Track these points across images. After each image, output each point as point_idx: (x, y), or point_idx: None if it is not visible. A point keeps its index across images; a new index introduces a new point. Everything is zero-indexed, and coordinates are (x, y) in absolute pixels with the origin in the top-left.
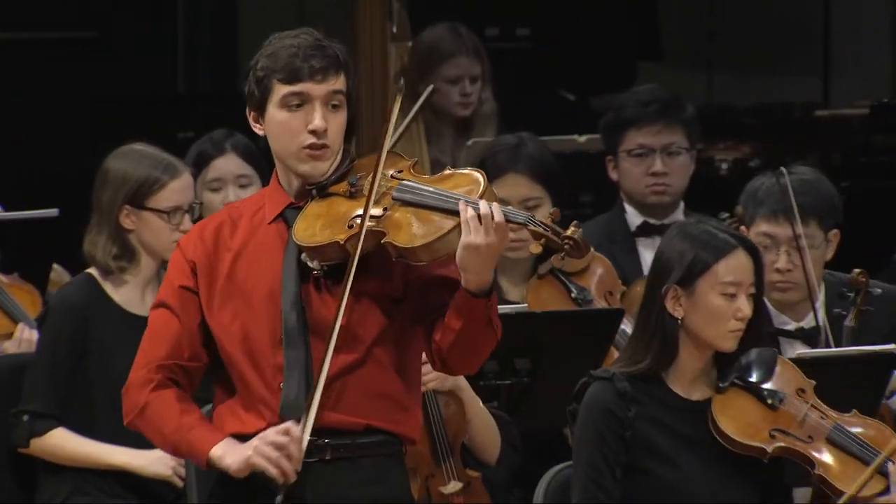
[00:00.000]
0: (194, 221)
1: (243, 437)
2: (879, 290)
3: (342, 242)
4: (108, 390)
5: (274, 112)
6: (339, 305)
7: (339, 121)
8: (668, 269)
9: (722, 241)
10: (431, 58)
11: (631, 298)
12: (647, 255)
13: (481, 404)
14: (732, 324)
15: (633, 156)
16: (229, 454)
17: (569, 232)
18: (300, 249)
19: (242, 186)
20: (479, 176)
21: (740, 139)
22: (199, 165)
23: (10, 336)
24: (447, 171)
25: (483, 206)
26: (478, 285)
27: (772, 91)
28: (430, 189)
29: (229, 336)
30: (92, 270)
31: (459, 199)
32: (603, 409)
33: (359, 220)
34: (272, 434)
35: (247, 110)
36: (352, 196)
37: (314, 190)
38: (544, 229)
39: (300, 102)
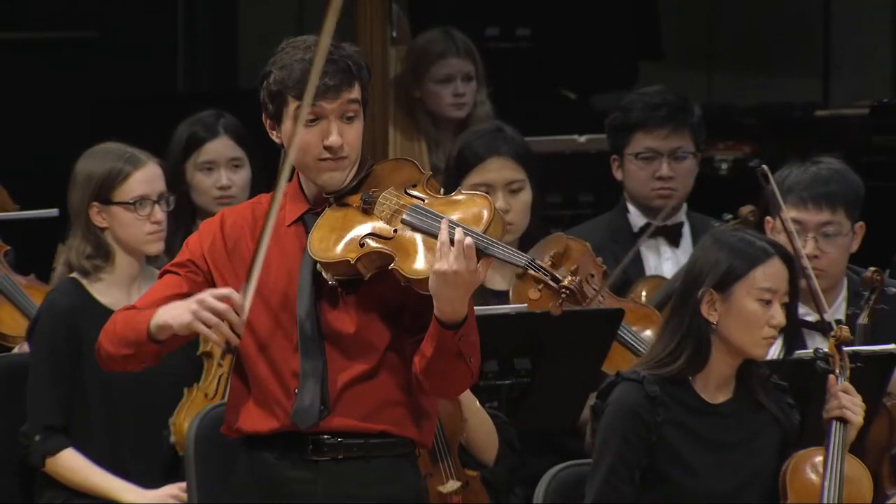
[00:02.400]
0: (170, 212)
1: (256, 438)
2: (894, 290)
3: (352, 262)
4: (101, 392)
5: (289, 126)
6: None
7: (355, 131)
8: (703, 274)
9: (759, 249)
10: (422, 61)
11: (631, 298)
12: (649, 256)
13: (478, 404)
14: (766, 331)
15: (640, 158)
16: (167, 311)
17: (566, 281)
18: (316, 261)
19: (235, 168)
20: (487, 203)
21: (740, 139)
22: (190, 148)
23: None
24: (460, 195)
25: (458, 233)
26: (448, 316)
27: (772, 91)
28: (442, 218)
29: (249, 336)
30: (75, 275)
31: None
32: (631, 412)
33: (369, 241)
34: (211, 299)
35: (263, 116)
36: (365, 212)
37: (331, 198)
38: (543, 274)
39: (315, 118)
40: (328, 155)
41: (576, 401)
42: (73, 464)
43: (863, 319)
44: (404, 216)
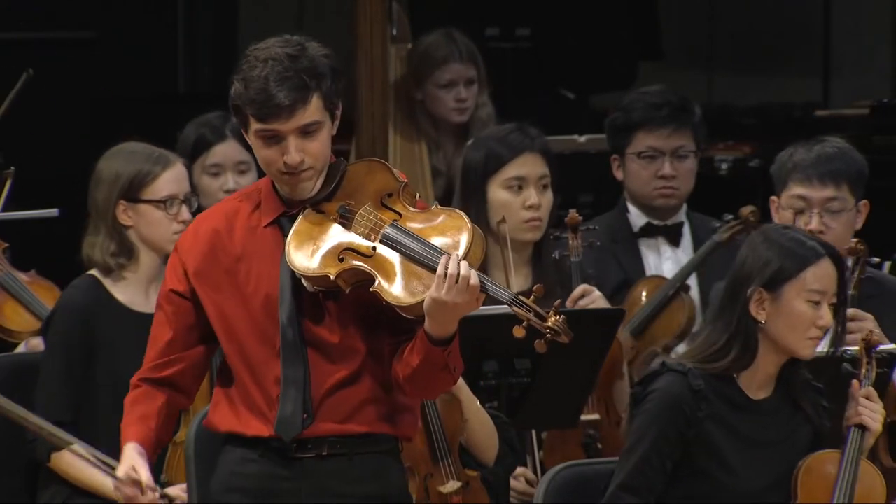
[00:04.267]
0: (192, 213)
1: (241, 439)
2: (876, 261)
3: (332, 278)
4: (113, 390)
5: (253, 140)
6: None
7: (317, 144)
8: (752, 273)
9: (810, 249)
10: (425, 65)
11: (633, 299)
12: (649, 256)
13: (478, 404)
14: (813, 331)
15: (642, 158)
16: (125, 456)
17: (550, 322)
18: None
19: (241, 172)
20: (464, 223)
21: (740, 139)
22: (197, 151)
23: (36, 333)
24: (436, 209)
25: (464, 267)
26: (439, 333)
27: (772, 91)
28: (422, 241)
29: (228, 340)
30: (94, 272)
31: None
32: (673, 403)
33: (348, 256)
34: (128, 485)
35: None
36: (343, 225)
37: (307, 203)
38: (527, 311)
39: (273, 135)
40: (289, 170)
41: (576, 401)
42: (78, 461)
43: (850, 290)
44: (384, 233)
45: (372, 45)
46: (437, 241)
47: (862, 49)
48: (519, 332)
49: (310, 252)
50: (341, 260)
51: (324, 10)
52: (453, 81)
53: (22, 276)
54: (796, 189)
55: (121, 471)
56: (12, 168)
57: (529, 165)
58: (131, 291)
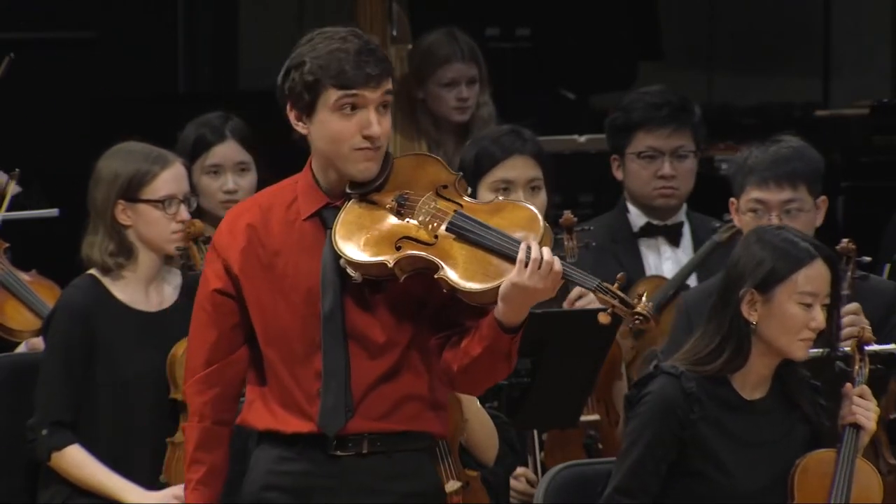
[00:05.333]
0: (191, 213)
1: (280, 436)
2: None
3: (390, 265)
4: (113, 389)
5: (325, 115)
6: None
7: (388, 122)
8: (745, 274)
9: (803, 251)
10: (427, 63)
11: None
12: (649, 256)
13: (478, 404)
14: (805, 333)
15: (641, 158)
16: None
17: (639, 307)
18: (340, 256)
19: (241, 173)
20: (535, 214)
21: (740, 139)
22: (197, 151)
23: (37, 333)
24: (499, 201)
25: (546, 253)
26: (511, 320)
27: (772, 91)
28: (492, 229)
29: (267, 335)
30: (94, 271)
31: (520, 244)
32: (666, 406)
33: (407, 244)
34: None
35: (287, 108)
36: (398, 214)
37: (355, 193)
38: (613, 297)
39: (353, 106)
40: (366, 144)
41: (576, 401)
42: (78, 460)
43: (844, 290)
44: (451, 222)
45: None
46: (507, 229)
47: (862, 49)
48: (605, 318)
49: (362, 241)
50: (398, 248)
51: (324, 10)
52: (455, 80)
53: (23, 276)
54: (753, 193)
55: None
56: (17, 170)
57: (519, 168)
58: (131, 291)
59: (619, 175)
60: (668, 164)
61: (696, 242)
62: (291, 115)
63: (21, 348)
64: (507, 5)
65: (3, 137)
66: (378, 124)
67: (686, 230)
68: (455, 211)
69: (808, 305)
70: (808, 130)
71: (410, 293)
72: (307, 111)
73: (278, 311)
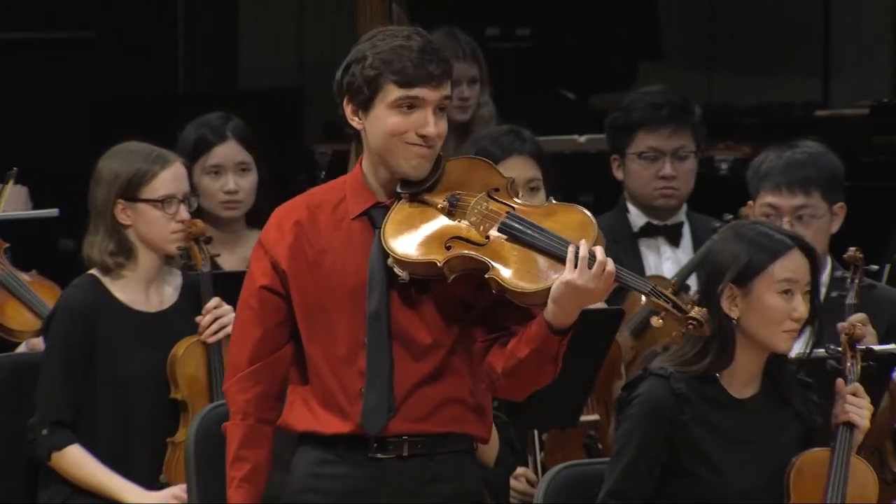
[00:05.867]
0: (191, 213)
1: (317, 437)
2: (875, 268)
3: (440, 265)
4: (113, 389)
5: (383, 112)
6: None
7: (444, 124)
8: (723, 269)
9: (778, 241)
10: None
11: (632, 299)
12: (649, 256)
13: None
14: (788, 324)
15: (643, 158)
16: None
17: (693, 312)
18: (388, 255)
19: (242, 173)
20: (588, 218)
21: (740, 139)
22: (198, 151)
23: (38, 333)
24: (551, 204)
25: (599, 252)
26: (561, 321)
27: (772, 91)
28: (544, 230)
29: (311, 334)
30: (94, 271)
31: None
32: (656, 408)
33: (457, 244)
34: None
35: (344, 102)
36: (450, 214)
37: (405, 193)
38: (666, 302)
39: (412, 105)
40: (419, 142)
41: (576, 401)
42: (78, 460)
43: (851, 299)
44: (503, 223)
45: None
46: (560, 231)
47: (862, 49)
48: (657, 322)
49: (412, 240)
50: (448, 248)
51: (324, 10)
52: (456, 80)
53: (23, 276)
54: (767, 197)
55: None
56: (15, 169)
57: (517, 169)
58: (131, 290)
59: (619, 175)
60: (669, 165)
61: (696, 242)
62: (347, 110)
63: (21, 348)
64: (507, 5)
65: (3, 137)
66: (434, 125)
67: (686, 230)
68: (507, 212)
69: (788, 293)
70: (808, 130)
71: (457, 295)
72: (364, 106)
73: (324, 308)
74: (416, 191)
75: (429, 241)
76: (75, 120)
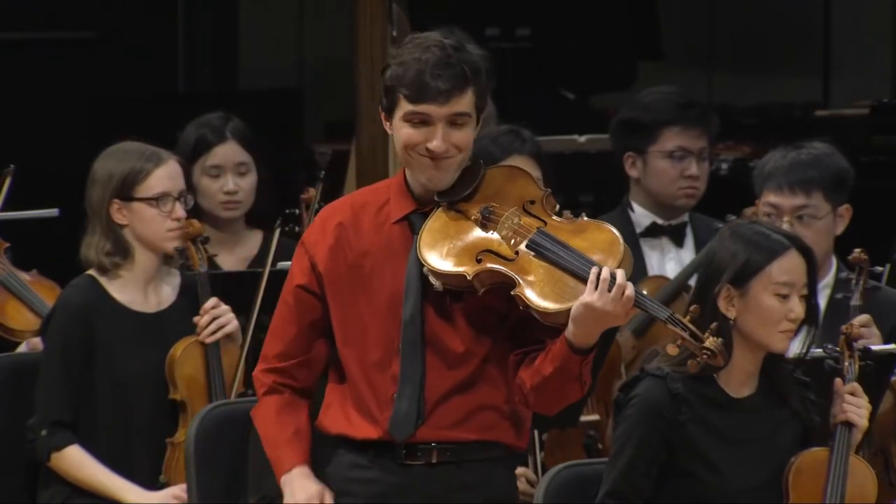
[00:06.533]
0: (190, 213)
1: (349, 441)
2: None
3: (469, 277)
4: (112, 389)
5: (398, 124)
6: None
7: (462, 136)
8: (721, 270)
9: (776, 242)
10: None
11: None
12: (652, 256)
13: None
14: (784, 324)
15: (671, 157)
16: (293, 491)
17: (708, 343)
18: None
19: (241, 174)
20: (617, 238)
21: (740, 139)
22: (197, 151)
23: (38, 333)
24: (582, 220)
25: (620, 275)
26: (581, 342)
27: (772, 91)
28: (572, 250)
29: (345, 335)
30: (92, 272)
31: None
32: (653, 409)
33: (487, 258)
34: None
35: (380, 106)
36: (483, 226)
37: (443, 201)
38: (683, 330)
39: (422, 121)
40: (428, 154)
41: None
42: (78, 461)
43: (855, 301)
44: (532, 240)
45: (372, 45)
46: (587, 251)
47: (862, 49)
48: (673, 350)
49: (445, 250)
50: (479, 261)
51: (324, 10)
52: None
53: (24, 276)
54: (769, 197)
55: (323, 499)
56: (11, 167)
57: None
58: (129, 291)
59: (633, 173)
60: (696, 165)
61: (699, 243)
62: (381, 115)
63: (22, 348)
64: (507, 5)
65: (2, 137)
66: (442, 139)
67: (689, 230)
68: (537, 228)
69: (785, 296)
70: (808, 130)
71: (491, 305)
72: (388, 114)
73: (360, 311)
74: (454, 199)
75: (461, 253)
76: (75, 120)
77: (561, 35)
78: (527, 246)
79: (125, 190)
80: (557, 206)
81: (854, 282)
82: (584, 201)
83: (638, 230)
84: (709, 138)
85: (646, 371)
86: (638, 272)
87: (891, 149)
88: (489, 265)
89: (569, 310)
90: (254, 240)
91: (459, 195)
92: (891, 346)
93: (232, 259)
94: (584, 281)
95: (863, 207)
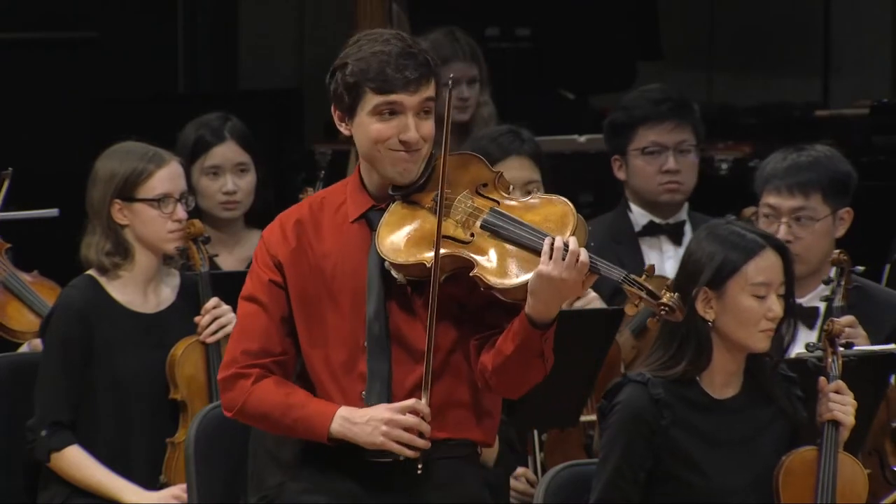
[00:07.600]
0: (189, 213)
1: (321, 444)
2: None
3: (428, 265)
4: (112, 390)
5: (365, 119)
6: (430, 328)
7: (428, 126)
8: (698, 272)
9: (751, 242)
10: None
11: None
12: (651, 255)
13: None
14: (763, 324)
15: (646, 154)
16: (351, 426)
17: (665, 298)
18: (384, 259)
19: (241, 174)
20: (569, 209)
21: (740, 139)
22: (197, 152)
23: (39, 333)
24: (535, 198)
25: (572, 243)
26: (541, 316)
27: (772, 91)
28: (525, 225)
29: (311, 337)
30: (92, 272)
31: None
32: (635, 415)
33: (444, 241)
34: (400, 417)
35: (332, 108)
36: (437, 213)
37: (397, 195)
38: (640, 289)
39: (392, 111)
40: (402, 147)
41: (576, 401)
42: (77, 461)
43: (838, 302)
44: (485, 220)
45: None
46: (541, 224)
47: (862, 49)
48: (631, 310)
49: (403, 242)
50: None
51: (324, 10)
52: (455, 80)
53: (25, 277)
54: (768, 198)
55: (398, 410)
56: (10, 169)
57: (515, 170)
58: (129, 291)
59: (621, 175)
60: (673, 159)
61: None
62: (335, 116)
63: (23, 348)
64: (507, 5)
65: (2, 137)
66: (416, 130)
67: (688, 229)
68: (490, 208)
69: (762, 297)
70: (808, 130)
71: (452, 295)
72: (349, 113)
73: (324, 313)
74: (408, 192)
75: (419, 243)
76: (75, 120)
77: (561, 35)
78: (481, 226)
79: (127, 190)
80: (511, 187)
81: (836, 283)
82: (584, 201)
83: (636, 230)
84: (693, 130)
85: (627, 377)
86: (637, 272)
87: (891, 149)
88: (446, 250)
89: (526, 284)
90: (253, 240)
91: (413, 187)
92: (891, 347)
93: (232, 259)
94: (539, 253)
95: (863, 207)
